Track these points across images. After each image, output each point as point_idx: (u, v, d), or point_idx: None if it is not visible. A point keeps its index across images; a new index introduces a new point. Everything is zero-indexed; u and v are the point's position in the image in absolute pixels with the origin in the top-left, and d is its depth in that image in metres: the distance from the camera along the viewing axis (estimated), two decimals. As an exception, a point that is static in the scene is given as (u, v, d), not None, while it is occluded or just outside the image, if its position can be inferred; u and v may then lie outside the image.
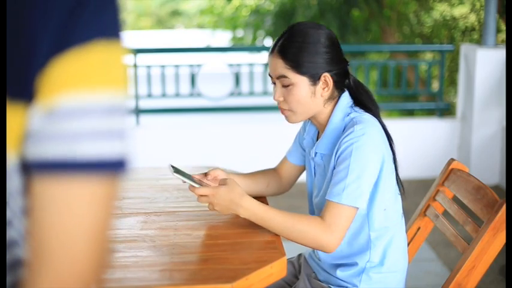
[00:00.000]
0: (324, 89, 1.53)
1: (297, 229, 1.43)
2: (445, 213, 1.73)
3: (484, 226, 1.47)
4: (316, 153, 1.59)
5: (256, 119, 5.40)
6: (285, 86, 1.54)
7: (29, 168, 0.58)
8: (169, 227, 1.54)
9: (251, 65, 4.76)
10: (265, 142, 4.32)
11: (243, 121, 5.22)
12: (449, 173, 1.72)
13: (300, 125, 1.76)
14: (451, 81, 8.17)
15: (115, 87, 0.59)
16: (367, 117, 1.52)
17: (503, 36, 6.61)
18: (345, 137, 1.47)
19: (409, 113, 7.77)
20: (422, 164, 4.35)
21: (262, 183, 1.73)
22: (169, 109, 4.65)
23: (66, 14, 0.57)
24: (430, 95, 5.49)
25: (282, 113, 1.59)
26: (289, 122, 1.61)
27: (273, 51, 1.55)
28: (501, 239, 1.46)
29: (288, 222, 1.44)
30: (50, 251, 0.58)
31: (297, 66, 1.51)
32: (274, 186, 1.75)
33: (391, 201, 1.54)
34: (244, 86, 4.81)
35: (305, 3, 9.79)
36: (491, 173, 4.35)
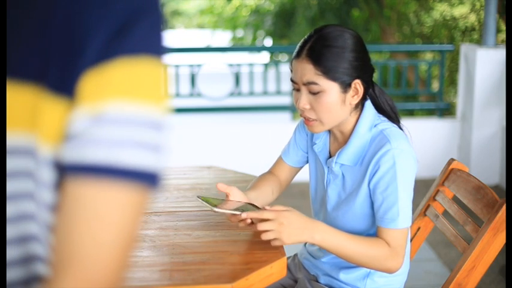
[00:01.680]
0: (353, 96, 1.46)
1: (369, 255, 1.41)
2: (445, 213, 1.73)
3: (484, 226, 1.47)
4: (336, 163, 1.52)
5: (256, 119, 5.40)
6: (312, 93, 1.44)
7: (65, 168, 0.59)
8: (169, 227, 1.54)
9: (251, 65, 4.76)
10: (265, 142, 4.32)
11: (243, 121, 5.22)
12: (449, 173, 1.72)
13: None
14: (451, 81, 8.17)
15: (158, 103, 0.60)
16: (396, 130, 1.47)
17: (503, 36, 6.62)
18: (383, 155, 1.41)
19: (409, 113, 7.78)
20: (422, 164, 4.34)
21: (268, 192, 1.64)
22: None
23: (120, 23, 0.59)
24: (430, 95, 5.49)
25: (307, 122, 1.49)
26: (313, 131, 1.51)
27: (300, 55, 1.45)
28: (501, 239, 1.46)
29: (361, 248, 1.40)
30: (77, 252, 0.58)
31: (329, 72, 1.42)
32: (277, 191, 1.69)
33: None
34: (244, 86, 4.81)
35: (305, 3, 9.80)
36: (491, 173, 4.35)
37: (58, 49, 0.59)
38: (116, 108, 0.58)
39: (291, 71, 1.49)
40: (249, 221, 1.40)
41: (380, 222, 1.43)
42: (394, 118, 1.52)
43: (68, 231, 0.58)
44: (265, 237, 1.34)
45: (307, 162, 1.70)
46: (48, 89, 0.59)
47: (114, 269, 0.59)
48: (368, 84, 1.48)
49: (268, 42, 11.27)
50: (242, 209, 1.40)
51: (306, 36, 1.47)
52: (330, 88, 1.42)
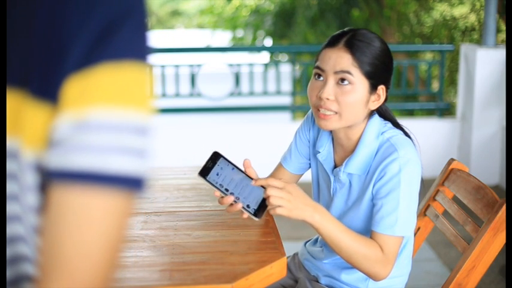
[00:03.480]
0: (374, 101, 1.44)
1: (362, 252, 1.37)
2: (445, 213, 1.73)
3: (484, 226, 1.47)
4: (343, 172, 1.49)
5: (256, 119, 5.40)
6: (341, 84, 1.40)
7: (50, 174, 0.59)
8: (169, 227, 1.54)
9: (251, 65, 4.76)
10: (265, 142, 4.32)
11: (243, 121, 5.21)
12: (449, 173, 1.72)
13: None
14: (451, 81, 8.17)
15: (143, 108, 0.60)
16: (403, 137, 1.46)
17: (503, 36, 6.61)
18: (390, 163, 1.39)
19: (409, 113, 7.78)
20: (422, 164, 4.34)
21: None
22: (169, 109, 4.65)
23: (103, 27, 0.58)
24: (430, 95, 5.49)
25: (322, 116, 1.42)
26: (326, 127, 1.44)
27: (336, 44, 1.42)
28: (501, 239, 1.46)
29: (355, 243, 1.37)
30: (64, 257, 0.58)
31: (365, 67, 1.40)
32: None
33: None
34: (244, 86, 4.81)
35: (305, 3, 9.79)
36: (491, 173, 4.35)
37: (40, 54, 0.58)
38: (100, 114, 0.58)
39: (316, 60, 1.45)
40: (239, 205, 1.36)
41: (375, 226, 1.40)
42: (398, 125, 1.51)
43: (55, 236, 0.59)
44: (273, 201, 1.31)
45: (309, 168, 1.68)
46: (31, 94, 0.59)
47: (101, 272, 0.60)
48: (387, 94, 1.47)
49: (268, 42, 11.27)
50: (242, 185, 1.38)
51: (339, 31, 1.46)
52: (361, 83, 1.40)
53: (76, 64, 0.58)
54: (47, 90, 0.59)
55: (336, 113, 1.42)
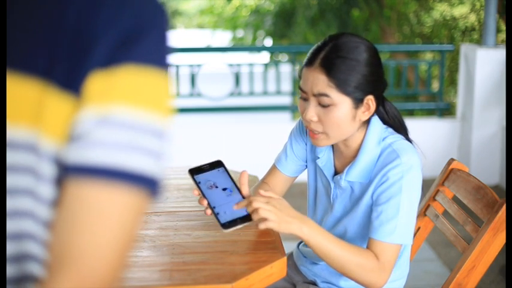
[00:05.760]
0: (364, 113, 1.39)
1: (354, 262, 1.33)
2: (445, 213, 1.73)
3: (484, 226, 1.47)
4: (344, 180, 1.46)
5: (256, 119, 5.40)
6: (322, 106, 1.36)
7: (68, 168, 0.60)
8: (169, 227, 1.54)
9: (251, 65, 4.76)
10: (265, 142, 4.32)
11: (243, 121, 5.21)
12: (449, 172, 1.72)
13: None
14: (451, 81, 8.17)
15: (162, 113, 0.63)
16: (405, 143, 1.42)
17: (503, 36, 6.61)
18: (392, 169, 1.36)
19: (409, 113, 7.77)
20: (424, 163, 4.34)
21: None
22: (169, 109, 4.64)
23: (129, 31, 0.61)
24: (430, 95, 5.49)
25: (312, 136, 1.41)
26: (318, 145, 1.43)
27: (312, 63, 1.36)
28: (501, 239, 1.46)
29: (347, 253, 1.32)
30: (76, 251, 0.59)
31: (342, 85, 1.33)
32: None
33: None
34: (244, 86, 4.81)
35: (305, 3, 9.80)
36: (491, 173, 4.35)
37: (66, 46, 0.60)
38: (122, 112, 0.60)
39: (299, 77, 1.42)
40: (209, 211, 1.33)
41: (374, 233, 1.36)
42: (400, 128, 1.47)
43: (68, 230, 0.59)
44: (262, 213, 1.27)
45: (305, 169, 1.64)
46: (55, 85, 0.60)
47: (112, 269, 0.60)
48: (379, 100, 1.42)
49: (268, 42, 11.27)
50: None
51: (319, 43, 1.39)
52: (342, 102, 1.35)
53: (100, 61, 0.60)
54: (71, 82, 0.60)
55: (323, 133, 1.39)
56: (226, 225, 1.31)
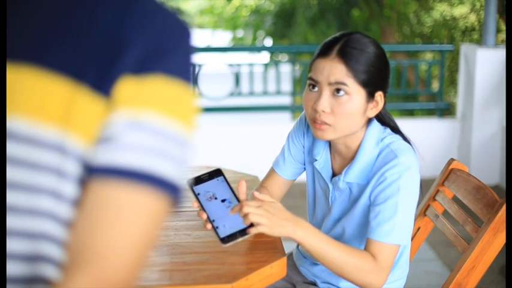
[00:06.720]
0: (372, 109, 1.39)
1: (351, 264, 1.31)
2: (445, 213, 1.73)
3: (484, 226, 1.47)
4: (343, 181, 1.46)
5: (256, 119, 5.40)
6: (336, 95, 1.35)
7: (95, 168, 0.61)
8: (169, 227, 1.54)
9: (251, 65, 4.76)
10: (265, 142, 4.32)
11: (243, 121, 5.21)
12: (449, 172, 1.72)
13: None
14: (451, 81, 8.17)
15: (188, 124, 0.66)
16: (403, 143, 1.42)
17: (503, 36, 6.62)
18: (390, 169, 1.36)
19: (409, 113, 7.78)
20: (422, 164, 4.33)
21: None
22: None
23: (157, 43, 0.65)
24: (430, 95, 5.49)
25: (318, 126, 1.38)
26: (322, 137, 1.40)
27: (329, 54, 1.36)
28: (501, 239, 1.46)
29: (343, 255, 1.31)
30: (98, 250, 0.59)
31: (360, 76, 1.34)
32: None
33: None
34: (244, 86, 4.81)
35: (305, 3, 9.80)
36: (491, 173, 4.35)
37: (99, 49, 0.63)
38: (153, 119, 0.62)
39: (309, 70, 1.41)
40: (209, 226, 1.29)
41: (371, 234, 1.35)
42: (397, 130, 1.48)
43: (90, 229, 0.60)
44: (252, 218, 1.24)
45: (303, 171, 1.63)
46: (86, 86, 0.62)
47: (132, 269, 0.61)
48: (385, 99, 1.42)
49: (268, 42, 11.27)
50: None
51: (332, 37, 1.40)
52: (357, 93, 1.35)
53: (132, 67, 0.63)
54: (103, 85, 0.62)
55: (331, 125, 1.38)
56: (226, 239, 1.27)
